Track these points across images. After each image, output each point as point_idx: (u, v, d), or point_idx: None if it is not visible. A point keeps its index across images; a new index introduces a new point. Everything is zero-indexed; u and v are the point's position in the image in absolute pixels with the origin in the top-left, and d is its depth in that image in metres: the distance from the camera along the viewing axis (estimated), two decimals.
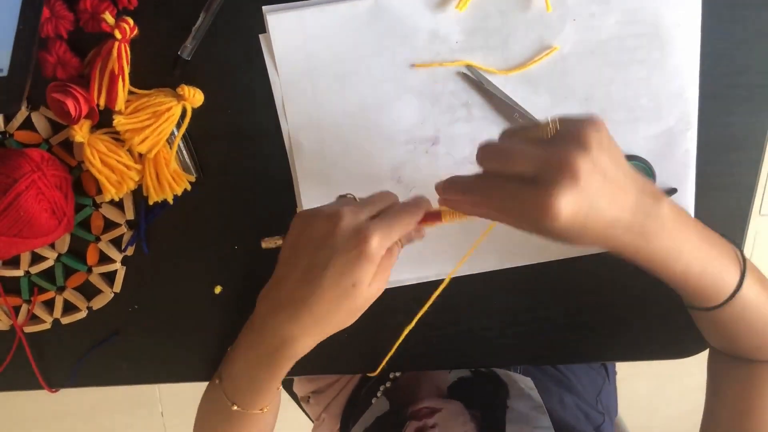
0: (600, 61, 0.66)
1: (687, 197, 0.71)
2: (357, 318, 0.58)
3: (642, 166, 0.69)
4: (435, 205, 0.59)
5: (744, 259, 0.61)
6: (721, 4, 0.64)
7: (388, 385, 0.90)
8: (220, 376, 0.70)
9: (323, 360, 0.79)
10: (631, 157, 0.69)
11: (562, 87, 0.67)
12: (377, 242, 0.54)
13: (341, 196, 0.61)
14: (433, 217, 0.59)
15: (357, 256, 0.54)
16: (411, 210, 0.58)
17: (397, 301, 0.74)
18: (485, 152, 0.51)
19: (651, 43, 0.65)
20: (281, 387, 0.72)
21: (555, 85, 0.67)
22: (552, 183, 0.46)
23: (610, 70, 0.66)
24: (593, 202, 0.46)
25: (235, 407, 0.68)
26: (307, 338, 0.59)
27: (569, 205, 0.45)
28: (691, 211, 0.72)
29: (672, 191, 0.70)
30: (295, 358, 0.62)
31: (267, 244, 0.64)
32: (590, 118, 0.49)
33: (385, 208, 0.58)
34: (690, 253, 0.55)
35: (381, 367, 0.77)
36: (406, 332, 0.69)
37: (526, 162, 0.48)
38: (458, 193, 0.54)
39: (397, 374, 0.90)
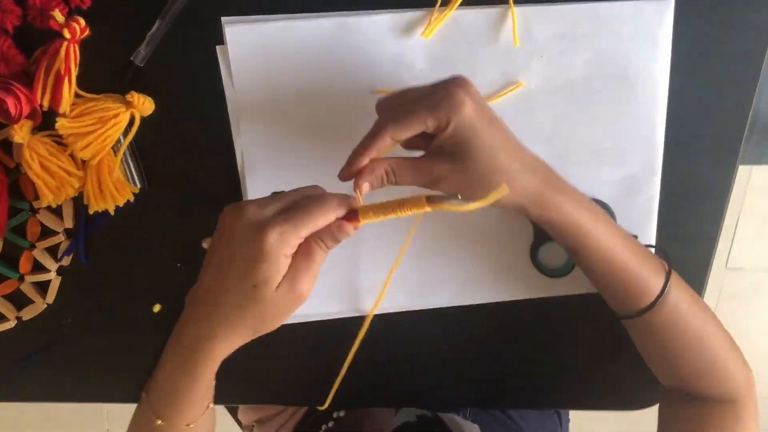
0: (566, 100, 0.65)
1: (647, 244, 0.70)
2: (278, 323, 0.54)
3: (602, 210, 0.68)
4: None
5: (669, 266, 0.62)
6: (690, 53, 0.64)
7: (330, 425, 0.86)
8: (147, 389, 0.66)
9: (268, 389, 0.77)
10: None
11: (526, 124, 0.65)
12: (275, 239, 0.49)
13: (275, 193, 0.56)
14: (351, 215, 0.52)
15: (253, 255, 0.50)
16: (322, 204, 0.51)
17: (348, 333, 0.71)
18: (387, 97, 0.57)
19: (619, 86, 0.64)
20: (212, 406, 0.69)
21: (519, 121, 0.65)
22: (450, 84, 0.53)
23: (576, 111, 0.65)
24: (488, 111, 0.54)
25: (159, 422, 0.64)
26: (220, 340, 0.55)
27: (469, 98, 0.52)
28: None
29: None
30: (212, 362, 0.58)
31: (207, 243, 0.60)
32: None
33: (296, 202, 0.52)
34: (609, 235, 0.59)
35: (329, 400, 0.74)
36: (345, 367, 0.67)
37: (422, 89, 0.55)
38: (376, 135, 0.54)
39: (341, 414, 0.87)
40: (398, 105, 0.55)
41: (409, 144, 0.58)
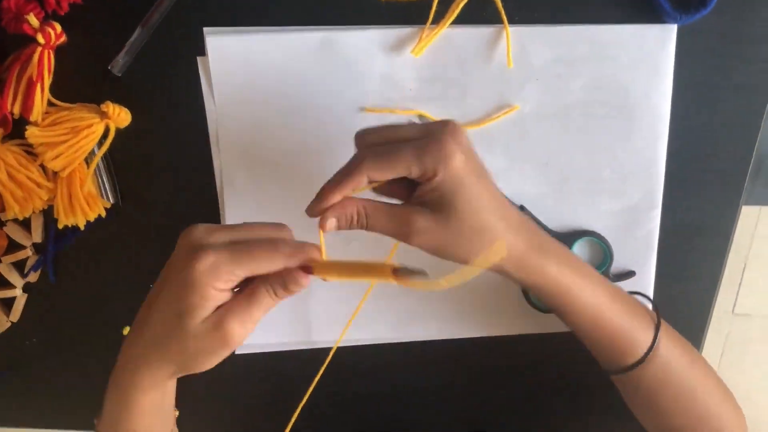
0: (562, 125, 0.62)
1: (646, 282, 0.67)
2: (202, 362, 0.48)
3: (598, 243, 0.65)
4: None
5: (658, 317, 0.59)
6: (693, 83, 0.62)
7: None
8: (98, 418, 0.62)
9: (233, 422, 0.74)
10: (587, 233, 0.64)
11: (520, 149, 0.63)
12: (205, 268, 0.45)
13: (246, 224, 0.52)
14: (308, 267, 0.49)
15: (183, 280, 0.46)
16: (272, 250, 0.47)
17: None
18: (369, 131, 0.52)
19: (618, 113, 0.62)
20: None
21: (512, 146, 0.63)
22: (441, 130, 0.49)
23: (573, 137, 0.62)
24: (477, 164, 0.50)
25: None
26: (145, 368, 0.51)
27: (460, 150, 0.48)
28: (650, 297, 0.67)
29: (630, 274, 0.66)
30: (142, 391, 0.53)
31: None
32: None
33: (248, 238, 0.49)
34: (594, 294, 0.55)
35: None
36: (305, 399, 0.63)
37: (409, 129, 0.51)
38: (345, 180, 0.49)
39: None
40: (381, 142, 0.51)
41: (385, 190, 0.54)
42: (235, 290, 0.48)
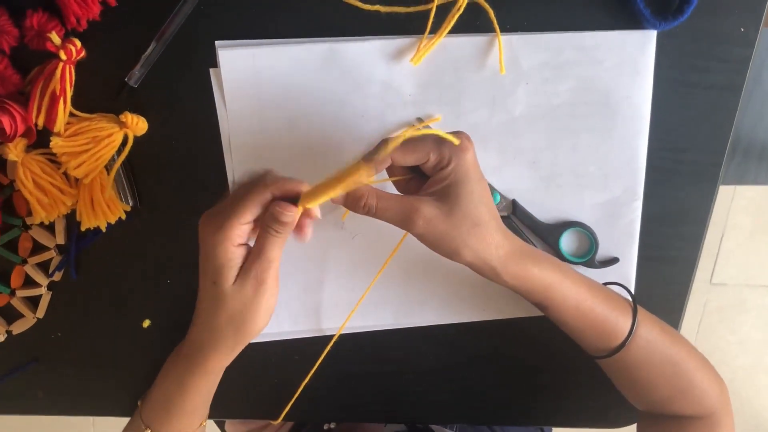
0: (551, 125, 0.66)
1: (629, 267, 0.71)
2: (254, 321, 0.54)
3: (584, 233, 0.69)
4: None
5: (635, 302, 0.64)
6: (671, 83, 0.65)
7: None
8: (143, 398, 0.68)
9: (247, 403, 0.78)
10: (574, 224, 0.69)
11: (512, 148, 0.67)
12: (214, 230, 0.52)
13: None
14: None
15: (204, 252, 0.53)
16: (251, 185, 0.52)
17: (339, 349, 0.72)
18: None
19: (602, 112, 0.66)
20: (205, 424, 0.70)
21: (505, 145, 0.67)
22: (457, 133, 0.54)
23: (560, 136, 0.67)
24: (480, 168, 0.56)
25: (149, 431, 0.65)
26: (209, 350, 0.58)
27: (472, 149, 0.54)
28: (632, 281, 0.72)
29: (614, 261, 0.70)
30: (206, 374, 0.60)
31: None
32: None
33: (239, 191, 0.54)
34: (574, 287, 0.60)
35: (282, 416, 0.76)
36: (305, 381, 0.70)
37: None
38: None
39: (332, 425, 0.88)
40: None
41: (399, 186, 0.59)
42: None
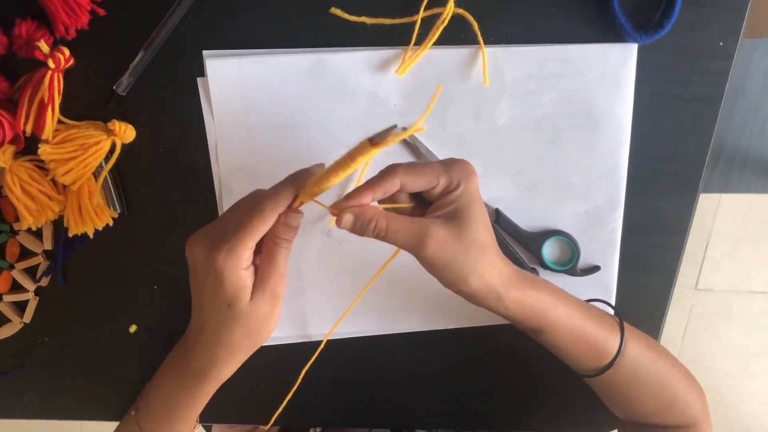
0: (534, 136, 0.67)
1: (610, 276, 0.72)
2: (267, 329, 0.56)
3: (566, 242, 0.70)
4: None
5: (621, 320, 0.64)
6: (652, 95, 0.66)
7: None
8: (136, 408, 0.68)
9: (235, 408, 0.78)
10: (556, 233, 0.70)
11: (496, 158, 0.68)
12: (224, 257, 0.52)
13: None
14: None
15: (214, 278, 0.53)
16: (260, 212, 0.52)
17: (330, 354, 0.73)
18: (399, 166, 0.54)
19: (584, 123, 0.67)
20: (197, 425, 0.70)
21: (489, 155, 0.68)
22: (461, 160, 0.55)
23: (543, 147, 0.68)
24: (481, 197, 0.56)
25: None
26: (224, 362, 0.59)
27: (476, 174, 0.55)
28: (613, 289, 0.73)
29: (595, 269, 0.71)
30: (216, 383, 0.61)
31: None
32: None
33: (237, 217, 0.54)
34: (567, 309, 0.61)
35: (272, 420, 0.76)
36: (295, 387, 0.71)
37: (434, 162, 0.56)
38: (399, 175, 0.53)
39: (318, 430, 0.89)
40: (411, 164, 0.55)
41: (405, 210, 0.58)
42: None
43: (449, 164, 0.54)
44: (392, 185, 0.53)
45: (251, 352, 0.59)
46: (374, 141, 0.45)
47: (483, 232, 0.54)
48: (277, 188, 0.54)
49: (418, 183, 0.53)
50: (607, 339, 0.62)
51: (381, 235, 0.53)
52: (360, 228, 0.53)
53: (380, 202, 0.56)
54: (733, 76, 0.67)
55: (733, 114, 1.28)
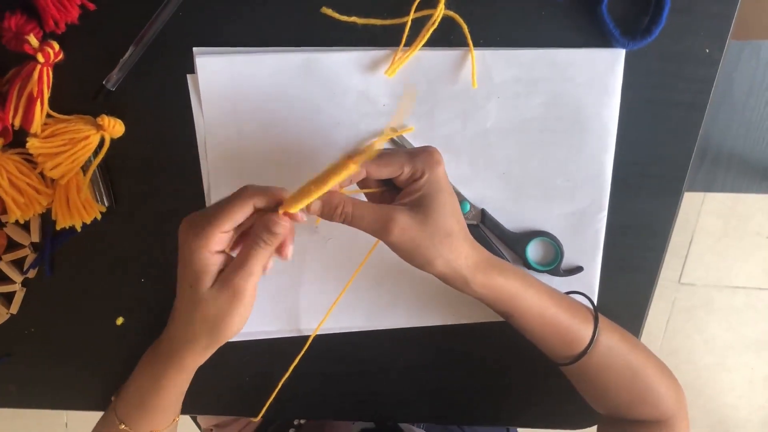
0: (521, 138, 0.68)
1: (593, 276, 0.73)
2: (228, 326, 0.55)
3: (550, 243, 0.71)
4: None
5: (596, 311, 0.66)
6: (638, 100, 0.67)
7: None
8: (117, 394, 0.69)
9: (221, 400, 0.79)
10: (541, 234, 0.71)
11: (483, 159, 0.68)
12: (193, 236, 0.53)
13: None
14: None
15: (182, 256, 0.54)
16: (236, 195, 0.54)
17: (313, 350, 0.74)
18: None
19: (571, 127, 0.68)
20: (178, 419, 0.71)
21: (476, 156, 0.68)
22: (428, 147, 0.57)
23: (530, 149, 0.68)
24: (449, 182, 0.58)
25: (123, 426, 0.66)
26: (185, 348, 0.59)
27: (442, 163, 0.57)
28: (596, 289, 0.74)
29: (578, 269, 0.72)
30: (181, 371, 0.62)
31: None
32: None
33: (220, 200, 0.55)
34: (538, 296, 0.62)
35: (262, 412, 0.77)
36: (283, 380, 0.71)
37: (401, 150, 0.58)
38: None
39: (302, 421, 0.90)
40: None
41: (374, 197, 0.61)
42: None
43: (415, 153, 0.56)
44: (358, 173, 0.55)
45: (212, 346, 0.59)
46: (353, 157, 0.48)
47: (448, 219, 0.56)
48: (263, 186, 0.54)
49: (383, 171, 0.56)
50: (580, 328, 0.64)
51: (347, 220, 0.56)
52: (327, 213, 0.56)
53: (360, 185, 0.60)
54: (719, 78, 0.68)
55: (720, 114, 1.29)
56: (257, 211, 0.54)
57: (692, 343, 2.01)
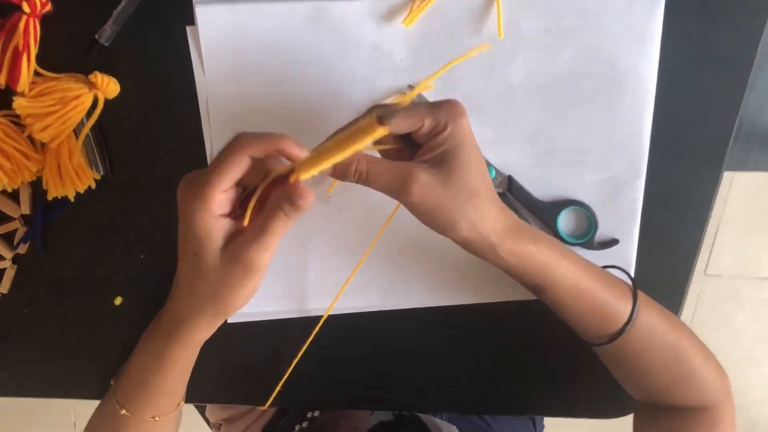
0: (550, 97, 0.63)
1: (629, 250, 0.68)
2: (234, 297, 0.50)
3: (583, 212, 0.66)
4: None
5: (635, 286, 0.61)
6: (678, 55, 0.62)
7: (304, 425, 0.84)
8: (116, 377, 0.66)
9: (228, 388, 0.76)
10: (572, 203, 0.66)
11: (509, 120, 0.63)
12: (191, 197, 0.47)
13: None
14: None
15: (183, 220, 0.49)
16: (231, 144, 0.47)
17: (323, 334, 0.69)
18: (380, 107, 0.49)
19: (605, 84, 0.63)
20: (182, 405, 0.67)
21: (501, 117, 0.63)
22: (451, 100, 0.51)
23: (560, 108, 0.63)
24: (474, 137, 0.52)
25: (124, 411, 0.63)
26: (189, 321, 0.55)
27: (467, 115, 0.51)
28: (632, 263, 0.69)
29: (613, 242, 0.67)
30: (185, 347, 0.58)
31: None
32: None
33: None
34: (572, 268, 0.57)
35: (269, 401, 0.73)
36: (292, 367, 0.68)
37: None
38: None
39: (316, 414, 0.85)
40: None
41: (390, 154, 0.55)
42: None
43: (436, 105, 0.50)
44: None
45: (218, 318, 0.55)
46: (383, 119, 0.41)
47: (474, 177, 0.51)
48: (259, 133, 0.48)
49: (401, 125, 0.50)
50: (618, 304, 0.59)
51: (362, 179, 0.50)
52: (340, 171, 0.50)
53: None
54: (766, 35, 0.63)
55: (755, 88, 1.22)
56: (255, 162, 0.48)
57: (719, 336, 1.96)
